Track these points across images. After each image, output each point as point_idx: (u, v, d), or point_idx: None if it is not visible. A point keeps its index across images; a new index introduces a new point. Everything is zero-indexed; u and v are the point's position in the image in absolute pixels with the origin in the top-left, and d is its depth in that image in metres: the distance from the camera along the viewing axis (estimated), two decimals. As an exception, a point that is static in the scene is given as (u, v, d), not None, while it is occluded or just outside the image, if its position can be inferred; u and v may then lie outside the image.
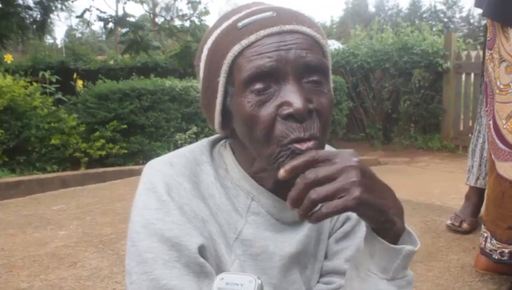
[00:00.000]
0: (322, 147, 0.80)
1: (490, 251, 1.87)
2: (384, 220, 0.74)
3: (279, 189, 0.85)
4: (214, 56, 0.82)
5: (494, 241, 1.84)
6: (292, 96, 0.75)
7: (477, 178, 2.59)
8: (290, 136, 0.76)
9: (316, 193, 0.68)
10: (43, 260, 2.25)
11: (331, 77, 0.86)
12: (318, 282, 0.97)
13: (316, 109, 0.78)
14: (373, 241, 0.78)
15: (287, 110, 0.75)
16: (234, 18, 0.81)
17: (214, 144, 0.92)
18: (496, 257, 1.84)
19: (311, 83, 0.78)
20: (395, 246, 0.76)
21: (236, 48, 0.78)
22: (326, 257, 0.98)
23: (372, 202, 0.70)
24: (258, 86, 0.77)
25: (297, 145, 0.76)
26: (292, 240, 0.89)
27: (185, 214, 0.79)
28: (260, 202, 0.86)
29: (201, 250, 0.78)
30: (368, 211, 0.71)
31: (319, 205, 0.68)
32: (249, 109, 0.77)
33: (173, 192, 0.80)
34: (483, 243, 1.90)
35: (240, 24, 0.79)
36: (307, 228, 0.92)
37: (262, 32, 0.77)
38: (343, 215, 0.97)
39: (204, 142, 0.91)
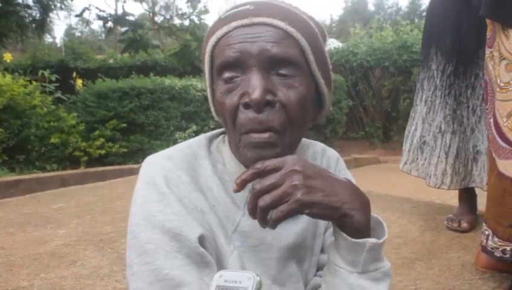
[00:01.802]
0: (287, 141, 0.81)
1: (492, 248, 1.86)
2: (340, 216, 0.75)
3: None
4: (203, 46, 0.87)
5: (495, 239, 1.84)
6: (252, 87, 0.77)
7: (405, 163, 2.68)
8: (246, 125, 0.78)
9: (263, 201, 0.72)
10: (43, 258, 2.24)
11: (323, 72, 0.86)
12: (315, 275, 0.98)
13: (281, 101, 0.79)
14: (337, 237, 0.79)
15: (245, 100, 0.78)
16: (224, 11, 0.85)
17: (211, 139, 0.93)
18: (498, 255, 1.84)
19: (279, 75, 0.80)
20: (356, 240, 0.77)
21: (213, 39, 0.83)
22: (322, 250, 1.00)
23: (319, 201, 0.72)
24: (227, 74, 0.80)
25: (254, 135, 0.79)
26: (289, 231, 0.90)
27: (185, 205, 0.80)
28: None
29: (201, 240, 0.79)
30: (316, 211, 0.73)
31: (271, 212, 0.72)
32: (218, 96, 0.82)
33: (172, 185, 0.81)
34: (485, 241, 1.90)
35: (222, 16, 0.84)
36: (304, 220, 0.93)
37: (233, 24, 0.80)
38: None
39: (202, 137, 0.92)
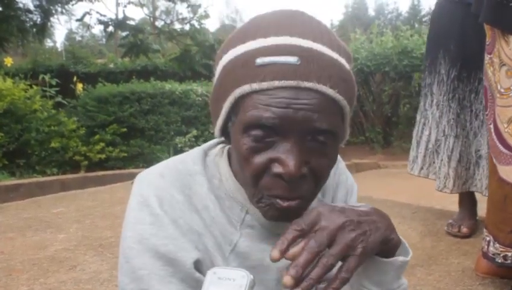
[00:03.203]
0: (307, 204, 0.77)
1: (493, 255, 1.86)
2: (386, 244, 0.73)
3: None
4: (225, 79, 0.77)
5: (496, 245, 1.84)
6: (288, 157, 0.71)
7: (421, 168, 2.67)
8: (273, 191, 0.74)
9: (315, 274, 0.64)
10: (43, 263, 2.24)
11: (347, 132, 0.82)
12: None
13: (312, 169, 0.74)
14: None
15: (277, 169, 0.72)
16: (257, 45, 0.73)
17: (207, 151, 0.88)
18: (499, 261, 1.84)
19: (315, 141, 0.73)
20: (388, 259, 0.75)
21: (245, 88, 0.72)
22: None
23: (374, 241, 0.69)
24: (257, 132, 0.72)
25: (279, 201, 0.74)
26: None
27: (179, 227, 0.77)
28: (254, 215, 0.83)
29: (197, 265, 0.77)
30: (375, 250, 0.71)
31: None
32: (243, 152, 0.74)
33: (166, 205, 0.78)
34: (486, 247, 1.90)
35: (258, 60, 0.72)
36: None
37: (277, 83, 0.70)
38: None
39: (196, 151, 0.87)
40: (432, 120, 2.58)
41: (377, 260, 0.75)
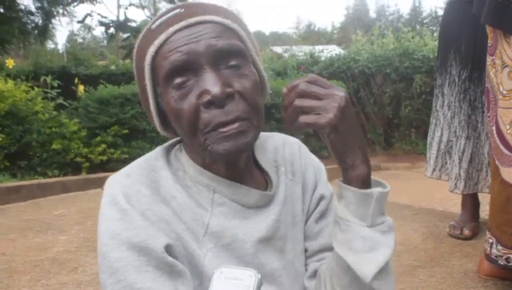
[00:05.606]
0: (256, 126, 0.84)
1: (496, 257, 1.86)
2: (348, 154, 0.81)
3: (235, 174, 0.88)
4: (137, 61, 0.86)
5: (499, 247, 1.83)
6: (209, 84, 0.78)
7: (434, 169, 2.69)
8: (213, 122, 0.79)
9: (299, 101, 0.77)
10: (44, 265, 2.24)
11: (259, 58, 0.90)
12: (307, 264, 0.99)
13: (239, 91, 0.81)
14: (345, 193, 0.82)
15: (206, 98, 0.78)
16: (151, 22, 0.85)
17: (169, 149, 0.93)
18: (502, 263, 1.83)
19: (230, 68, 0.81)
20: (365, 190, 0.81)
21: (151, 49, 0.82)
22: (310, 238, 1.00)
23: (341, 130, 0.78)
24: (177, 80, 0.80)
25: (221, 130, 0.79)
26: (260, 225, 0.90)
27: (148, 218, 0.80)
28: (222, 192, 0.87)
29: (169, 249, 0.78)
30: (335, 136, 0.79)
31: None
32: (174, 104, 0.81)
33: (133, 200, 0.81)
34: (489, 249, 1.89)
35: (153, 26, 0.83)
36: (275, 212, 0.92)
37: (171, 29, 0.80)
38: (317, 196, 1.01)
39: (158, 149, 0.92)
40: (444, 121, 2.58)
41: (356, 192, 0.81)
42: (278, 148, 1.01)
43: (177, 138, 0.95)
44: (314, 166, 1.04)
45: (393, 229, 0.84)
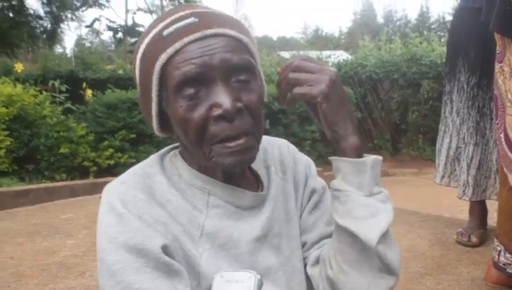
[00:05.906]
0: (258, 140, 0.86)
1: (504, 264, 1.85)
2: (340, 124, 0.85)
3: (230, 177, 0.90)
4: (145, 65, 0.85)
5: (507, 255, 1.83)
6: (221, 98, 0.79)
7: (443, 176, 2.68)
8: (220, 135, 0.81)
9: (292, 75, 0.84)
10: (52, 269, 2.25)
11: (261, 71, 0.91)
12: (307, 257, 1.00)
13: (246, 105, 0.82)
14: (340, 165, 0.86)
15: (217, 112, 0.80)
16: (160, 26, 0.84)
17: (163, 156, 0.95)
18: (510, 271, 1.83)
19: (239, 82, 0.83)
20: (358, 159, 0.84)
21: (163, 57, 0.81)
22: (306, 231, 1.01)
23: (332, 100, 0.83)
24: (188, 91, 0.80)
25: (228, 144, 0.81)
26: (255, 224, 0.91)
27: (145, 221, 0.81)
28: (217, 194, 0.89)
29: (165, 250, 0.79)
30: (326, 105, 0.83)
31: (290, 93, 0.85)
32: (181, 113, 0.81)
33: (129, 205, 0.82)
34: (497, 256, 1.88)
35: (165, 32, 0.82)
36: (268, 211, 0.94)
37: (186, 39, 0.80)
38: (308, 190, 1.04)
39: (153, 156, 0.94)
40: (453, 128, 2.58)
41: (351, 161, 0.84)
42: (267, 148, 1.03)
43: (172, 145, 0.97)
44: (303, 162, 1.06)
45: (390, 199, 0.86)
